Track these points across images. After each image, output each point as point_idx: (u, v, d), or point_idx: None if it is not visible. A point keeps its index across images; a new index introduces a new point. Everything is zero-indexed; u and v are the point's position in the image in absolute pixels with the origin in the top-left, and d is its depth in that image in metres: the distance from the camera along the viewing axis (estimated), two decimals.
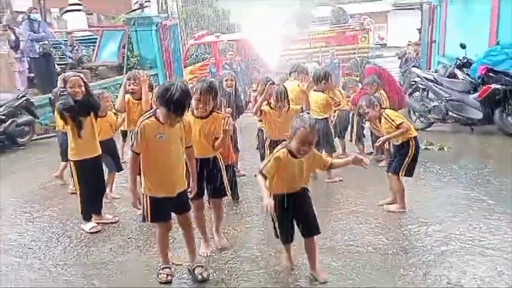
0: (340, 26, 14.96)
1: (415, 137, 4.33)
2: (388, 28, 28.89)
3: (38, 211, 5.10)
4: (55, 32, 13.84)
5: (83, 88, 4.18)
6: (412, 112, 8.36)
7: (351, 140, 6.40)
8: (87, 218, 4.44)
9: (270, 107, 4.72)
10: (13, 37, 9.31)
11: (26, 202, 5.42)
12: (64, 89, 4.14)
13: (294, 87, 5.21)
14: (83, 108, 4.18)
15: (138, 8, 13.33)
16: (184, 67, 14.69)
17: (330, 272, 3.32)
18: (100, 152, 4.43)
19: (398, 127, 4.25)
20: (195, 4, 25.60)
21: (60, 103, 4.11)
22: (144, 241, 4.09)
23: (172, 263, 3.49)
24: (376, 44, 24.02)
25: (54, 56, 10.88)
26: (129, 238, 4.16)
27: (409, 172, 4.34)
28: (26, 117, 8.49)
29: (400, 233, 3.95)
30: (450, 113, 7.81)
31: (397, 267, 3.37)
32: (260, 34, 14.82)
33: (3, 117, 7.99)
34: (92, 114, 4.30)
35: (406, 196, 4.48)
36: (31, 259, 3.92)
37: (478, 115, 7.52)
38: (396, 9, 27.41)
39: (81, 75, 4.33)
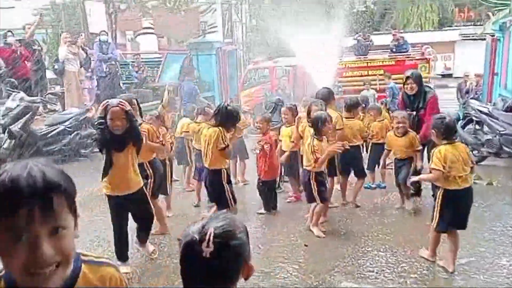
0: (399, 55, 14.80)
1: (447, 190, 3.64)
2: (455, 58, 28.00)
3: (87, 215, 5.54)
4: (124, 53, 14.88)
5: (125, 121, 3.51)
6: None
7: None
8: (122, 260, 3.90)
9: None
10: (83, 56, 10.19)
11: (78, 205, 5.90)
12: (102, 120, 3.54)
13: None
14: (120, 144, 3.62)
15: (201, 35, 14.09)
16: (242, 91, 15.18)
17: None
18: (136, 189, 3.83)
19: (431, 170, 3.65)
20: (260, 31, 26.40)
21: (96, 137, 3.71)
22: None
23: None
24: (439, 74, 23.39)
25: (121, 76, 11.74)
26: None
27: (441, 225, 3.69)
28: (89, 130, 9.21)
29: (422, 262, 3.91)
30: (504, 147, 7.51)
31: None
32: (316, 60, 15.04)
33: (69, 129, 8.74)
34: (132, 145, 3.69)
35: None
36: None
37: None
38: (463, 39, 26.57)
39: (126, 105, 3.56)
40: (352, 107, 5.64)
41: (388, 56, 14.99)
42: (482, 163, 7.83)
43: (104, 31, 10.79)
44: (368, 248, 4.30)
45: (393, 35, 15.56)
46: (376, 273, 3.76)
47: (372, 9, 27.85)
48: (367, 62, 14.86)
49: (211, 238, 1.26)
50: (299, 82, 14.98)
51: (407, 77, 5.50)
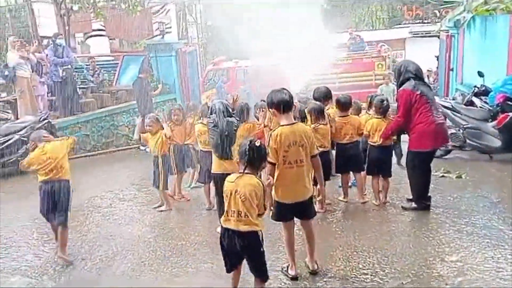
0: (357, 53, 15.03)
1: None
2: (406, 55, 28.90)
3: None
4: (78, 56, 14.23)
5: None
6: None
7: None
8: None
9: None
10: (35, 61, 9.54)
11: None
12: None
13: None
14: None
15: (159, 35, 13.70)
16: (203, 92, 14.89)
17: None
18: None
19: None
20: (216, 32, 26.14)
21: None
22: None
23: None
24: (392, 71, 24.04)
25: (76, 80, 11.18)
26: (142, 262, 4.18)
27: None
28: None
29: (415, 262, 3.89)
30: (468, 141, 7.73)
31: None
32: (280, 60, 15.00)
33: (25, 138, 8.18)
34: None
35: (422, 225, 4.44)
36: (46, 281, 3.97)
37: (497, 143, 7.41)
38: (413, 37, 27.47)
39: None
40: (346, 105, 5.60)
41: (346, 54, 15.18)
42: (447, 156, 8.02)
43: (60, 34, 10.18)
44: (357, 249, 4.23)
45: (350, 33, 15.79)
46: (371, 275, 3.70)
47: (325, 9, 28.23)
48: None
49: (259, 142, 3.21)
50: (260, 82, 14.91)
51: None
